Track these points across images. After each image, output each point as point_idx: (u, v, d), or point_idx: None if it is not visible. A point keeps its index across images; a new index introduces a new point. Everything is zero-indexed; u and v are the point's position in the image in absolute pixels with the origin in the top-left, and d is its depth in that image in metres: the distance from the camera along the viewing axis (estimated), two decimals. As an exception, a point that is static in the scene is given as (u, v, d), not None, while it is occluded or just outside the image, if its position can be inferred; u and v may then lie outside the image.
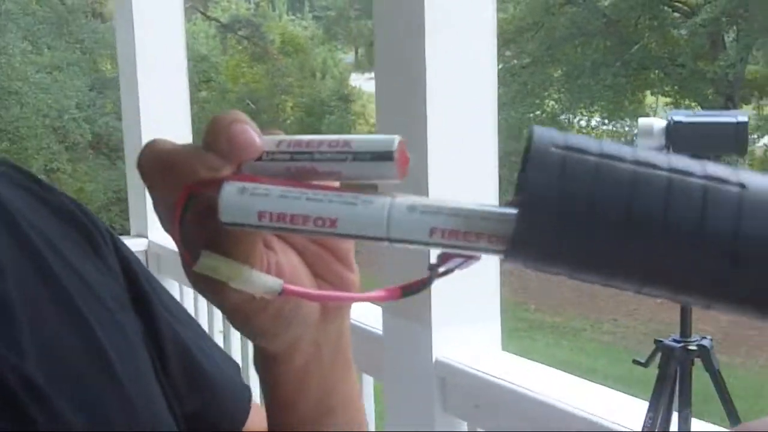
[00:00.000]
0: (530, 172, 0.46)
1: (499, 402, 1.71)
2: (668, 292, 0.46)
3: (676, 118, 1.34)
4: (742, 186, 0.44)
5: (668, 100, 14.19)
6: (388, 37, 1.84)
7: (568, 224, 0.45)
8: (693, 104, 13.82)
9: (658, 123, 1.37)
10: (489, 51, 1.81)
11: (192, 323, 0.78)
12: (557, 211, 0.45)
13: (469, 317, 1.80)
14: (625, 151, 0.46)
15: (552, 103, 14.06)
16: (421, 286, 0.57)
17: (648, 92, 14.23)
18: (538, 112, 13.77)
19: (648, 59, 13.25)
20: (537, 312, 10.96)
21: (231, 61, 16.80)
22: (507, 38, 14.17)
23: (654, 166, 0.45)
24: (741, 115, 1.32)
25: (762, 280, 0.45)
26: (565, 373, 1.75)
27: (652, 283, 0.46)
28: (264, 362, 0.62)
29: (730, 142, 1.31)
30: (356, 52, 19.85)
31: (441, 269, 0.53)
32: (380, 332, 1.94)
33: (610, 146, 0.46)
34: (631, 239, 0.45)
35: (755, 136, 13.54)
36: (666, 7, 13.79)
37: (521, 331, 10.04)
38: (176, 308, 0.77)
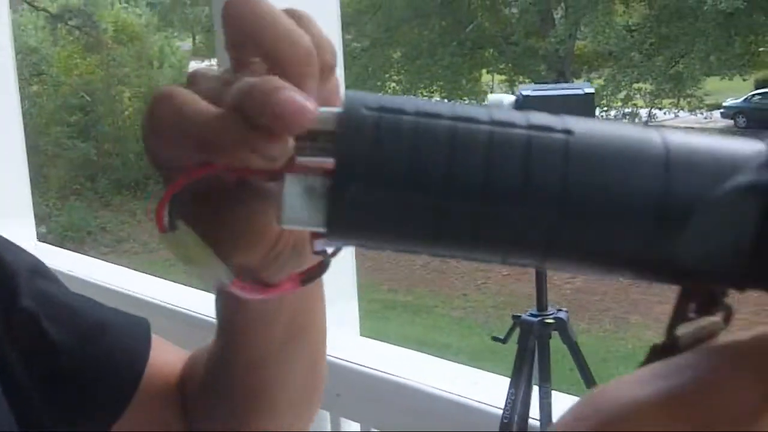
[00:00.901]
0: (341, 139, 0.43)
1: (361, 389, 1.71)
2: (499, 254, 0.44)
3: (525, 92, 1.37)
4: (569, 132, 0.43)
5: (503, 77, 14.60)
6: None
7: (385, 192, 0.43)
8: (527, 81, 14.26)
9: (508, 98, 1.39)
10: (334, 37, 1.80)
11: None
12: (372, 180, 0.42)
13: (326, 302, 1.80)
14: (443, 107, 0.43)
15: (393, 84, 14.22)
16: (319, 271, 0.56)
17: (484, 71, 14.59)
18: (379, 94, 13.88)
19: (483, 38, 13.57)
20: (390, 291, 11.10)
21: (63, 53, 16.21)
22: (346, 21, 14.19)
23: (474, 121, 0.43)
24: (587, 87, 1.36)
25: (595, 230, 0.44)
26: (423, 354, 1.77)
27: (481, 247, 0.44)
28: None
29: (577, 114, 1.36)
30: (194, 39, 19.50)
31: (329, 251, 0.51)
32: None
33: (428, 104, 0.43)
34: (454, 202, 0.43)
35: (587, 109, 14.07)
36: (498, -13, 14.18)
37: (375, 311, 10.15)
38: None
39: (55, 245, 3.06)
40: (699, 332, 0.46)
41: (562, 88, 1.40)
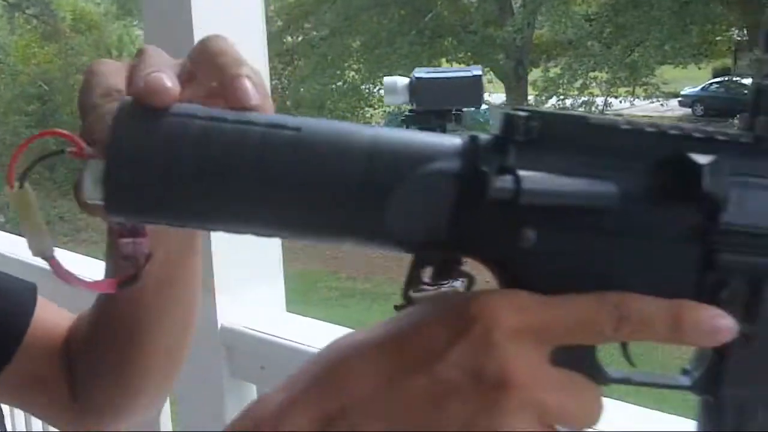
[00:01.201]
0: (109, 134, 0.53)
1: (284, 361, 1.76)
2: (243, 228, 0.55)
3: (418, 75, 1.45)
4: (298, 129, 0.53)
5: (463, 66, 14.66)
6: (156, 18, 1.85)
7: (143, 178, 0.53)
8: (486, 69, 14.36)
9: (402, 80, 1.46)
10: (258, 28, 1.84)
11: None
12: (134, 167, 0.53)
13: (252, 280, 1.84)
14: (197, 109, 0.53)
15: (352, 73, 14.26)
16: (134, 278, 0.65)
17: (443, 59, 14.67)
18: (339, 83, 13.95)
19: (441, 27, 13.66)
20: (348, 279, 11.16)
21: (20, 42, 16.07)
22: (306, 10, 14.26)
23: (221, 120, 0.53)
24: (475, 69, 1.45)
25: (315, 206, 0.54)
26: (348, 328, 1.82)
27: (230, 222, 0.55)
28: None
29: (467, 95, 1.44)
30: (153, 28, 19.39)
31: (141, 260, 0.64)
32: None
33: (188, 107, 0.53)
34: (203, 185, 0.53)
35: (543, 98, 14.22)
36: (457, -24, 14.25)
37: (333, 299, 10.20)
38: None
39: (14, 234, 3.08)
40: (436, 294, 0.57)
41: (453, 71, 1.50)
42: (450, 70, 1.49)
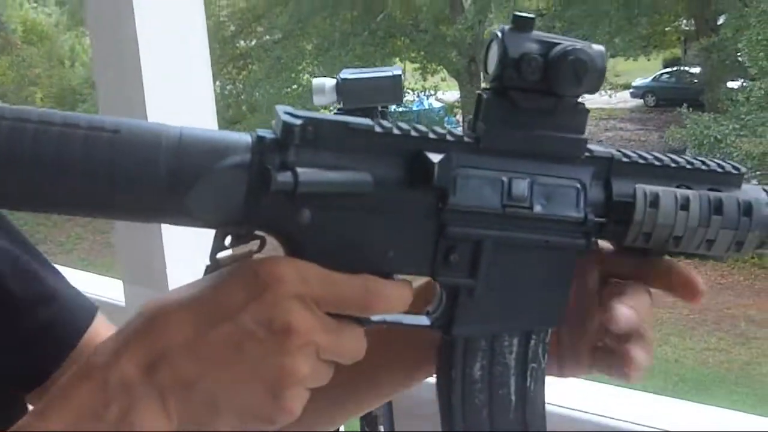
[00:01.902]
0: None
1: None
2: (71, 211, 0.68)
3: (344, 75, 1.57)
4: (116, 131, 0.67)
5: (416, 65, 14.76)
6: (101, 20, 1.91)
7: None
8: (439, 68, 14.45)
9: (329, 82, 1.56)
10: (200, 35, 1.92)
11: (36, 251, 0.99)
12: None
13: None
14: (30, 112, 0.66)
15: (307, 76, 14.27)
16: None
17: (396, 59, 14.71)
18: (294, 86, 13.95)
19: (393, 27, 13.72)
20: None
21: (-29, 55, 15.91)
22: (258, 14, 14.27)
23: (49, 123, 0.66)
24: (396, 69, 1.57)
25: (96, 194, 0.66)
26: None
27: (59, 207, 0.68)
28: None
29: (388, 94, 1.56)
30: (105, 37, 19.22)
31: None
32: (123, 304, 2.03)
33: (20, 111, 0.66)
34: (37, 176, 0.66)
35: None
36: (408, -25, 14.30)
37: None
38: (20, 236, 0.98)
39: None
40: (236, 256, 0.70)
41: (375, 71, 1.62)
42: (373, 70, 1.61)
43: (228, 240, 0.71)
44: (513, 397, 0.79)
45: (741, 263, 10.53)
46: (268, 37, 14.27)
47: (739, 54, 11.76)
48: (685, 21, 15.78)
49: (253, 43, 13.97)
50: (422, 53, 14.15)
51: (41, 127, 0.66)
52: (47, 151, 0.66)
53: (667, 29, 16.02)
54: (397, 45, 14.35)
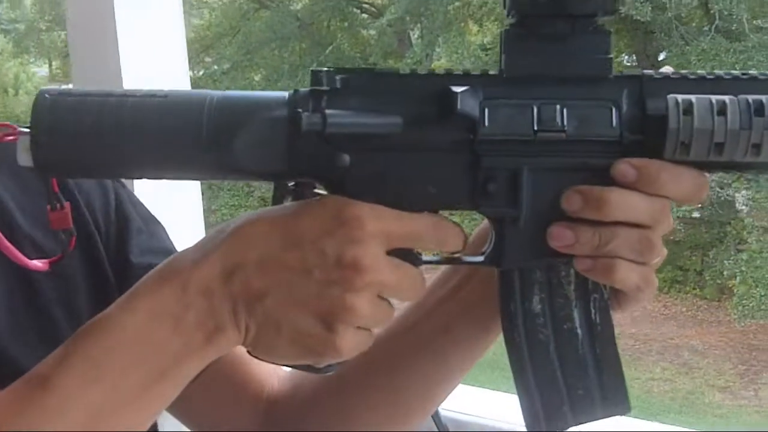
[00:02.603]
0: (33, 111, 0.71)
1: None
2: (148, 173, 0.74)
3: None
4: (165, 96, 0.72)
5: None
6: (83, 48, 1.93)
7: (59, 141, 0.71)
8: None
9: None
10: (182, 59, 1.94)
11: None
12: (51, 134, 0.71)
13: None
14: (91, 90, 0.72)
15: (255, 106, 14.18)
16: (62, 256, 0.86)
17: (345, 91, 14.71)
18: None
19: (342, 60, 13.74)
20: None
21: None
22: (206, 44, 14.23)
23: (108, 95, 0.72)
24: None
25: (175, 149, 0.72)
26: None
27: (136, 169, 0.74)
28: None
29: None
30: (50, 65, 19.06)
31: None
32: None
33: (84, 90, 0.72)
34: (118, 144, 0.72)
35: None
36: (355, 9, 14.38)
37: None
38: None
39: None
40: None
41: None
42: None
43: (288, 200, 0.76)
44: (579, 332, 0.77)
45: (683, 294, 10.72)
46: (216, 67, 14.23)
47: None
48: (627, 57, 16.10)
49: (201, 73, 13.92)
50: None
51: (101, 99, 0.72)
52: (107, 120, 0.71)
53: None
54: (345, 77, 14.37)
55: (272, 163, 0.73)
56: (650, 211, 0.75)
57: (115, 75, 1.84)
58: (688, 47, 11.42)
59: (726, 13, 10.77)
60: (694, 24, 12.05)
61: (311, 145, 0.72)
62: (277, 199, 0.76)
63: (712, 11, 10.95)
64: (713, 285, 10.50)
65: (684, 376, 9.38)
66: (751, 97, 0.72)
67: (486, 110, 0.73)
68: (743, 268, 9.73)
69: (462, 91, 0.72)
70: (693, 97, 0.73)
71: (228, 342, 0.72)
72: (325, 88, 0.72)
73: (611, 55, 0.74)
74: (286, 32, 13.60)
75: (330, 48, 13.48)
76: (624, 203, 0.74)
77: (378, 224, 0.71)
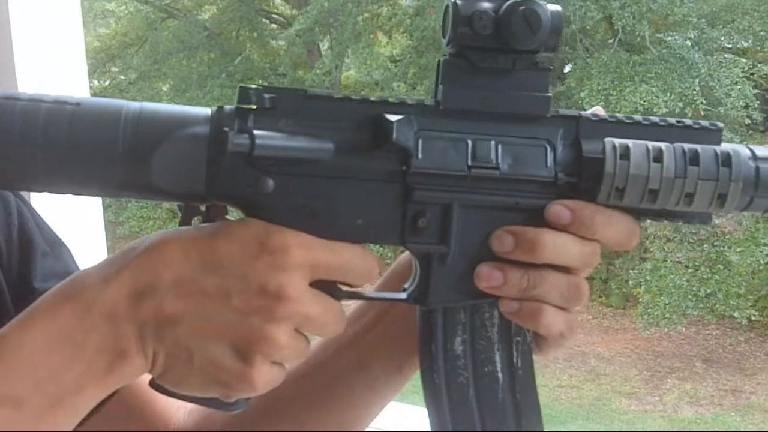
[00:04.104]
0: None
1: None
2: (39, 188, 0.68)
3: None
4: (77, 104, 0.67)
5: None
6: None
7: None
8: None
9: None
10: (80, 65, 1.89)
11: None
12: None
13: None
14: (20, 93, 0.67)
15: (163, 117, 14.01)
16: None
17: (255, 101, 14.64)
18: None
19: (251, 70, 13.70)
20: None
21: None
22: (112, 54, 13.99)
23: (17, 99, 0.67)
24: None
25: (87, 164, 0.66)
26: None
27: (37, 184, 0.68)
28: None
29: None
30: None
31: None
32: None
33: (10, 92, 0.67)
34: (22, 154, 0.66)
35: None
36: (264, 19, 14.34)
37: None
38: None
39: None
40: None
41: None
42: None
43: (195, 221, 0.72)
44: (500, 375, 0.75)
45: (589, 302, 10.92)
46: (123, 77, 14.01)
47: (582, 103, 12.30)
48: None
49: (107, 83, 13.69)
50: (281, 96, 14.14)
51: (7, 102, 0.66)
52: (13, 125, 0.66)
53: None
54: (255, 88, 14.31)
55: (189, 183, 0.68)
56: (582, 255, 0.73)
57: (10, 81, 1.78)
58: (590, 59, 11.67)
59: (629, 27, 11.02)
60: (598, 36, 12.31)
61: (233, 166, 0.68)
62: (185, 221, 0.72)
63: (615, 25, 11.20)
64: (619, 293, 10.72)
65: (591, 383, 9.55)
66: (686, 146, 0.72)
67: (420, 142, 0.70)
68: (648, 277, 9.96)
69: (398, 120, 0.69)
70: (630, 142, 0.72)
71: (133, 370, 0.66)
72: (252, 106, 0.68)
73: (550, 94, 0.73)
74: (194, 42, 13.47)
75: (239, 58, 13.40)
76: (557, 246, 0.72)
77: (305, 254, 0.68)
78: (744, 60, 10.97)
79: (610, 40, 11.85)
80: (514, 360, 0.75)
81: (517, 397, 0.75)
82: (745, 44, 11.43)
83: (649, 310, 9.80)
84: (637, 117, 0.75)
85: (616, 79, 10.84)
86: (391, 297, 0.77)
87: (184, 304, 0.66)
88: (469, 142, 0.71)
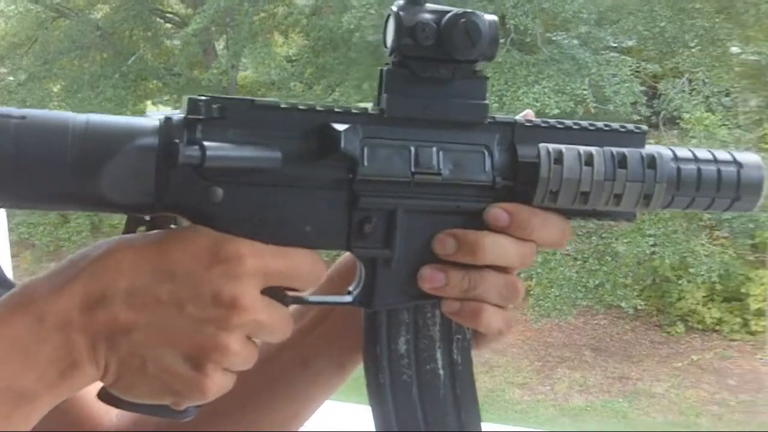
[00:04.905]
0: None
1: None
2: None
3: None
4: (23, 117, 0.66)
5: (169, 108, 14.57)
6: None
7: None
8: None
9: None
10: None
11: None
12: None
13: None
14: None
15: (55, 118, 13.69)
16: None
17: (149, 102, 14.49)
18: None
19: (146, 70, 13.52)
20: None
21: None
22: (1, 54, 13.65)
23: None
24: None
25: (29, 179, 0.65)
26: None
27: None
28: None
29: None
30: None
31: None
32: None
33: None
34: None
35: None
36: (159, 19, 14.17)
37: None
38: None
39: None
40: None
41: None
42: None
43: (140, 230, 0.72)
44: (441, 372, 0.78)
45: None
46: (12, 78, 13.68)
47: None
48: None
49: (-4, 84, 13.35)
50: (175, 96, 14.01)
51: None
52: None
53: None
54: (149, 88, 14.15)
55: (139, 195, 0.68)
56: (519, 255, 0.76)
57: None
58: (486, 59, 11.80)
59: (522, 26, 11.21)
60: (491, 37, 12.48)
61: (183, 177, 0.68)
62: (128, 232, 0.71)
63: (507, 25, 11.40)
64: (511, 286, 10.86)
65: (485, 374, 9.70)
66: (615, 150, 0.76)
67: (365, 149, 0.72)
68: (539, 270, 10.17)
69: (345, 130, 0.71)
70: (563, 147, 0.75)
71: (85, 379, 0.66)
72: (200, 117, 0.68)
73: (487, 101, 0.76)
74: (86, 42, 13.23)
75: (133, 58, 13.21)
76: (497, 248, 0.75)
77: (257, 261, 0.68)
78: (630, 59, 11.29)
79: (502, 40, 12.06)
80: (455, 357, 0.78)
81: (458, 392, 0.78)
82: (630, 43, 11.75)
83: (540, 302, 10.01)
84: (568, 122, 0.79)
85: (509, 80, 11.02)
86: (338, 301, 0.78)
87: (138, 313, 0.66)
88: (412, 149, 0.73)
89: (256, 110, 0.71)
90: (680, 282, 10.29)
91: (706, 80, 11.08)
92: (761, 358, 9.81)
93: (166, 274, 0.67)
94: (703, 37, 11.12)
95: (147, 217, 0.71)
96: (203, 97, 0.69)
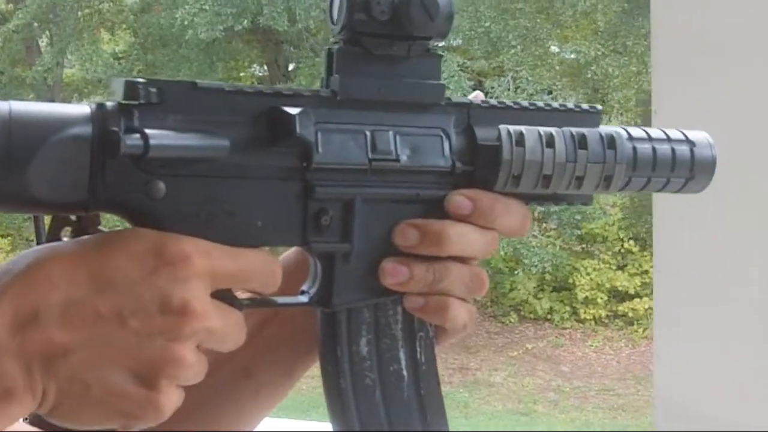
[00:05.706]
0: None
1: None
2: None
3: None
4: None
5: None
6: None
7: None
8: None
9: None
10: None
11: None
12: None
13: None
14: None
15: None
16: None
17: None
18: None
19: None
20: None
21: None
22: None
23: None
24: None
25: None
26: None
27: None
28: None
29: None
30: None
31: None
32: None
33: None
34: None
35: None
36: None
37: None
38: None
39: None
40: None
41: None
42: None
43: (64, 232, 0.65)
44: (405, 373, 0.73)
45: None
46: None
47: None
48: (258, 67, 16.46)
49: None
50: (1, 94, 13.46)
51: None
52: None
53: (242, 74, 16.59)
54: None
55: (71, 191, 0.60)
56: (483, 244, 0.72)
57: None
58: (318, 59, 11.91)
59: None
60: (320, 36, 12.61)
61: (120, 170, 0.61)
62: (53, 235, 0.64)
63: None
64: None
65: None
66: (574, 130, 0.72)
67: (319, 135, 0.66)
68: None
69: (299, 113, 0.64)
70: (523, 128, 0.71)
71: (20, 409, 0.58)
72: (138, 102, 0.60)
73: (442, 81, 0.71)
74: None
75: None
76: (461, 238, 0.71)
77: (206, 262, 0.61)
78: (458, 57, 11.69)
79: (332, 39, 12.16)
80: (418, 356, 0.73)
81: (422, 392, 0.73)
82: (454, 44, 12.12)
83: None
84: (524, 102, 0.74)
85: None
86: (292, 302, 0.71)
87: (75, 331, 0.58)
88: (368, 134, 0.68)
89: (198, 94, 0.63)
90: (516, 272, 10.75)
91: (530, 78, 11.60)
92: (591, 345, 10.40)
93: (105, 284, 0.59)
94: (526, 36, 11.61)
95: (73, 217, 0.63)
96: (141, 80, 0.61)
